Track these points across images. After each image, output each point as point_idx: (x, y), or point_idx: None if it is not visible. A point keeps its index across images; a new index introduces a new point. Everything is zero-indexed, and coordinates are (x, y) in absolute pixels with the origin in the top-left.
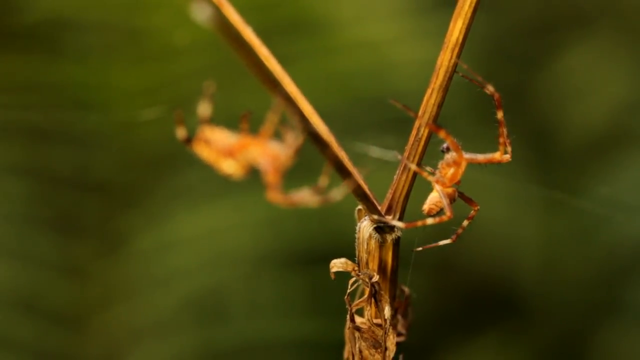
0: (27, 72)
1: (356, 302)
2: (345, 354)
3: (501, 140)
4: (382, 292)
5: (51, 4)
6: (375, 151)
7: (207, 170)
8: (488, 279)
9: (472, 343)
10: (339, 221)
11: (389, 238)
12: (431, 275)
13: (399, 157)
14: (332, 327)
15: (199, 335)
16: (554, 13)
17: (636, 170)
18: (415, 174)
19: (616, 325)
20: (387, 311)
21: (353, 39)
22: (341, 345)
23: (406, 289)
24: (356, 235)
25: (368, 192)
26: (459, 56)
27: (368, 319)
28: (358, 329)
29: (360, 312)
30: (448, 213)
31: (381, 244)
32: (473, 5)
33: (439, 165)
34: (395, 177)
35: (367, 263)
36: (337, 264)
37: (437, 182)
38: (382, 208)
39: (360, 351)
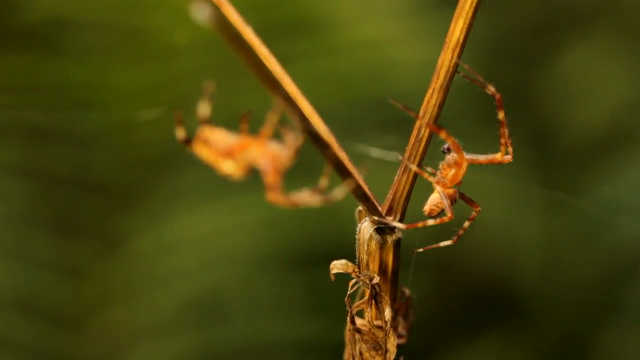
0: (27, 72)
1: (356, 303)
2: (346, 356)
3: (502, 140)
4: (383, 294)
5: (51, 4)
6: (375, 152)
7: (207, 171)
8: (489, 280)
9: (473, 344)
10: (339, 222)
11: (390, 239)
12: (432, 276)
13: (400, 157)
14: (332, 329)
15: (199, 336)
16: (555, 13)
17: (637, 171)
18: (416, 175)
19: (618, 325)
20: (387, 313)
21: (353, 39)
22: (341, 347)
23: (407, 291)
24: (356, 236)
25: (368, 192)
26: (459, 56)
27: (368, 321)
28: (358, 330)
29: (360, 314)
30: (449, 214)
31: (382, 245)
32: (474, 5)
33: (440, 166)
34: (395, 177)
35: (367, 264)
36: (338, 265)
37: (438, 183)
38: (382, 209)
39: (361, 353)
